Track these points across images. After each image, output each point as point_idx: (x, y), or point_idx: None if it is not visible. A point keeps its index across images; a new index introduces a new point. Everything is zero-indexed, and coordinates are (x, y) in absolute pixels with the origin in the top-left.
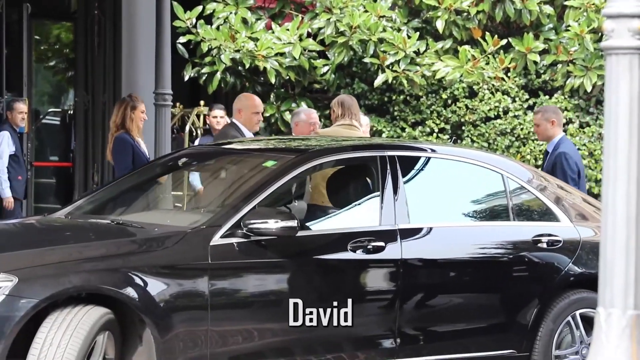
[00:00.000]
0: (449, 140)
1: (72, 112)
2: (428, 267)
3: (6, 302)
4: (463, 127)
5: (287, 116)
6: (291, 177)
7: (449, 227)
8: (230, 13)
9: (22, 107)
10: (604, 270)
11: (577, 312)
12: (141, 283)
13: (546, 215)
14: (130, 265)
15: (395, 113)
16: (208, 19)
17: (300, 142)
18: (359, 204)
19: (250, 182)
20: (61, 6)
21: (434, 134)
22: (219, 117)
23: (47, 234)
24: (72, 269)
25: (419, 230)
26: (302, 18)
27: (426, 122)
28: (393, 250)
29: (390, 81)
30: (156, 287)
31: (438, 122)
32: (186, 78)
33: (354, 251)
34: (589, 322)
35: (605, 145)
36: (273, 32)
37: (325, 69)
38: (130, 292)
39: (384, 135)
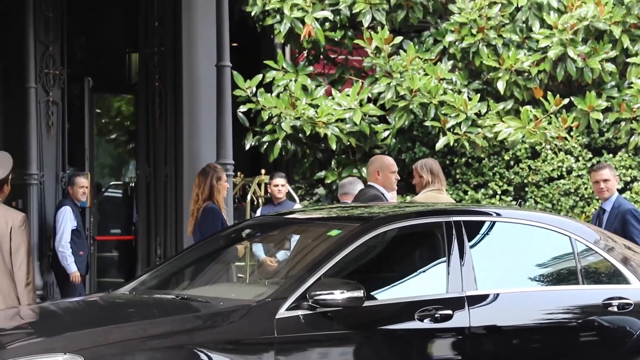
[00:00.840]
0: (514, 203)
1: (133, 184)
2: (496, 336)
3: None
4: (526, 188)
5: None
6: (356, 245)
7: (517, 292)
8: (290, 81)
9: (83, 181)
10: None
11: None
12: None
13: (615, 277)
14: (195, 342)
15: (457, 176)
16: (268, 87)
17: (363, 209)
18: (425, 271)
19: (314, 252)
20: (122, 79)
21: (497, 196)
22: (280, 186)
23: (111, 311)
24: (138, 347)
25: (486, 297)
26: (362, 83)
27: (489, 184)
28: (461, 319)
29: (451, 144)
30: None
31: (501, 184)
32: (247, 147)
33: (422, 320)
34: None
35: None
36: (333, 98)
37: (386, 133)
38: None
39: None
